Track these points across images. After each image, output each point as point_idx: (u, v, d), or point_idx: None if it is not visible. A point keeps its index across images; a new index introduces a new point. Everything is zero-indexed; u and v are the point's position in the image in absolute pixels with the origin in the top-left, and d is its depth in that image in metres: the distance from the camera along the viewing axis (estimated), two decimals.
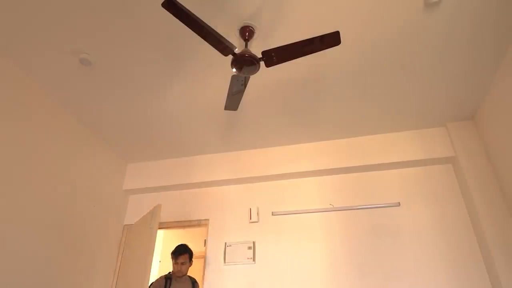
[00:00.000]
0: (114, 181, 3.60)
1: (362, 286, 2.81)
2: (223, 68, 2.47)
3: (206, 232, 3.39)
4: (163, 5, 1.75)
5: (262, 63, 2.05)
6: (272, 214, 3.32)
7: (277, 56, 2.00)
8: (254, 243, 3.22)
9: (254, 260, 3.14)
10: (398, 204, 3.05)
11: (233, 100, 2.41)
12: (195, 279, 2.91)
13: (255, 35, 2.22)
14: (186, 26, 1.85)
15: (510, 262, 2.48)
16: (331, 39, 1.90)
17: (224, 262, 3.19)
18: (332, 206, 3.18)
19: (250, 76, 2.16)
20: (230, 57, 2.02)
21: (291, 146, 3.49)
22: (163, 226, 3.53)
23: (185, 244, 2.89)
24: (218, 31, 1.89)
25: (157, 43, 2.35)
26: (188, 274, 2.87)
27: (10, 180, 2.39)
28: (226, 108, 2.50)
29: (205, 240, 3.37)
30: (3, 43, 2.35)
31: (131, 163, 3.85)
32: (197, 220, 3.47)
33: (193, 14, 1.79)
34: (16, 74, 2.52)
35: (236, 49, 1.99)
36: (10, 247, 2.33)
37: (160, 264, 3.96)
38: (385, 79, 2.66)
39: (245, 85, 2.28)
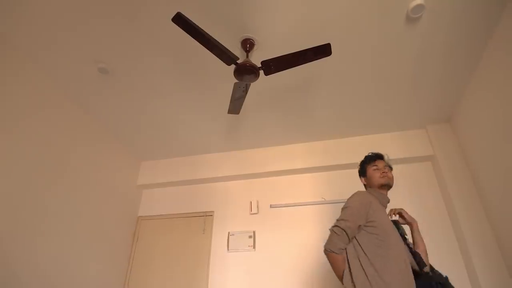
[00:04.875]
0: (129, 177, 3.60)
1: None
2: (226, 76, 2.47)
3: (211, 223, 3.39)
4: (173, 19, 1.75)
5: (261, 72, 2.05)
6: (270, 207, 3.31)
7: (275, 65, 2.01)
8: (254, 232, 3.22)
9: (254, 247, 3.14)
10: None
11: (236, 104, 2.41)
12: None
13: (255, 47, 2.22)
14: (193, 39, 1.85)
15: (485, 252, 2.47)
16: (323, 50, 1.91)
17: (228, 249, 3.19)
18: (324, 200, 3.18)
19: (251, 83, 2.16)
20: (233, 66, 2.02)
21: (287, 146, 3.49)
22: (172, 216, 3.53)
23: None
24: (222, 43, 1.89)
25: (168, 53, 2.35)
26: None
27: (36, 179, 2.39)
28: (229, 112, 2.50)
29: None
30: (33, 54, 2.36)
31: (144, 161, 3.84)
32: (203, 212, 3.47)
33: (200, 28, 1.79)
34: (43, 82, 2.52)
35: (238, 59, 1.99)
36: (36, 237, 2.33)
37: None
38: (371, 85, 2.66)
39: (246, 91, 2.28)
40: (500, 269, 2.39)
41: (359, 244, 1.59)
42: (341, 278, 1.55)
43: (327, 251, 1.60)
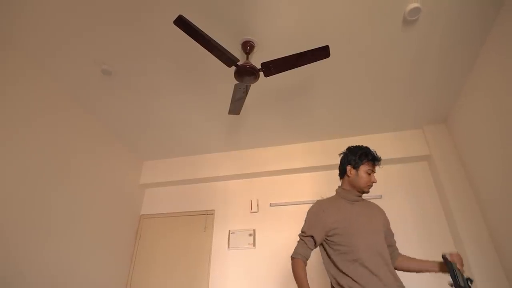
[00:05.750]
0: (132, 177, 3.60)
1: None
2: (227, 78, 2.47)
3: (212, 221, 3.39)
4: (175, 22, 1.75)
5: (261, 73, 2.05)
6: (270, 205, 3.31)
7: (274, 67, 2.00)
8: (254, 230, 3.22)
9: (254, 245, 3.14)
10: (380, 197, 3.04)
11: (236, 105, 2.41)
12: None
13: (255, 49, 2.22)
14: (194, 41, 1.85)
15: (481, 253, 2.46)
16: (322, 52, 1.91)
17: (228, 247, 3.19)
18: (322, 198, 3.17)
19: (251, 84, 2.16)
20: (233, 68, 2.02)
21: (286, 145, 3.49)
22: (174, 215, 3.53)
23: None
24: (222, 45, 1.89)
25: (169, 55, 2.35)
26: None
27: (41, 179, 2.39)
28: (230, 112, 2.50)
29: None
30: (38, 56, 2.36)
31: (146, 160, 3.84)
32: (204, 210, 3.47)
33: (201, 30, 1.79)
34: (47, 84, 2.52)
35: (239, 61, 1.99)
36: (41, 236, 2.33)
37: None
38: (369, 87, 2.66)
39: (246, 92, 2.28)
40: (497, 270, 2.38)
41: (328, 256, 1.65)
42: (298, 282, 1.58)
43: (291, 257, 1.68)
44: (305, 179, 3.36)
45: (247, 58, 2.15)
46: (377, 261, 1.53)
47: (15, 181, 2.17)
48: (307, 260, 1.66)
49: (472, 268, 2.41)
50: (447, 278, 1.55)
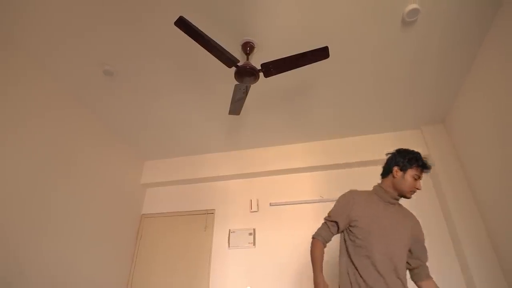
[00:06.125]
0: (133, 176, 3.60)
1: None
2: (227, 78, 2.47)
3: (213, 220, 3.38)
4: (176, 23, 1.75)
5: (261, 74, 2.05)
6: (270, 205, 3.31)
7: (274, 67, 2.00)
8: (254, 230, 3.21)
9: (254, 244, 3.14)
10: None
11: (236, 106, 2.41)
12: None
13: (255, 50, 2.21)
14: (195, 42, 1.85)
15: (479, 252, 2.45)
16: (321, 53, 1.91)
17: (228, 246, 3.19)
18: (322, 198, 3.17)
19: (251, 85, 2.16)
20: (234, 68, 2.01)
21: (286, 145, 3.49)
22: (175, 214, 3.52)
23: None
24: (223, 46, 1.89)
25: (170, 55, 2.34)
26: None
27: (43, 178, 2.38)
28: (230, 113, 2.50)
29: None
30: (40, 56, 2.35)
31: (147, 160, 3.84)
32: (205, 210, 3.47)
33: (202, 31, 1.79)
34: (49, 84, 2.51)
35: (239, 62, 1.99)
36: (42, 236, 2.32)
37: None
38: (368, 87, 2.65)
39: (246, 93, 2.27)
40: (495, 270, 2.37)
41: (345, 243, 1.68)
42: (313, 262, 1.63)
43: (312, 237, 1.75)
44: (305, 179, 3.36)
45: (247, 58, 2.15)
46: (387, 266, 1.51)
47: (15, 181, 2.17)
48: (326, 243, 1.71)
49: (470, 269, 2.41)
50: None
